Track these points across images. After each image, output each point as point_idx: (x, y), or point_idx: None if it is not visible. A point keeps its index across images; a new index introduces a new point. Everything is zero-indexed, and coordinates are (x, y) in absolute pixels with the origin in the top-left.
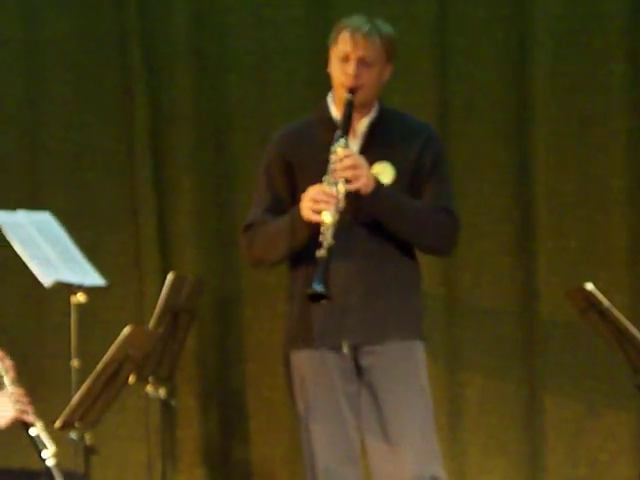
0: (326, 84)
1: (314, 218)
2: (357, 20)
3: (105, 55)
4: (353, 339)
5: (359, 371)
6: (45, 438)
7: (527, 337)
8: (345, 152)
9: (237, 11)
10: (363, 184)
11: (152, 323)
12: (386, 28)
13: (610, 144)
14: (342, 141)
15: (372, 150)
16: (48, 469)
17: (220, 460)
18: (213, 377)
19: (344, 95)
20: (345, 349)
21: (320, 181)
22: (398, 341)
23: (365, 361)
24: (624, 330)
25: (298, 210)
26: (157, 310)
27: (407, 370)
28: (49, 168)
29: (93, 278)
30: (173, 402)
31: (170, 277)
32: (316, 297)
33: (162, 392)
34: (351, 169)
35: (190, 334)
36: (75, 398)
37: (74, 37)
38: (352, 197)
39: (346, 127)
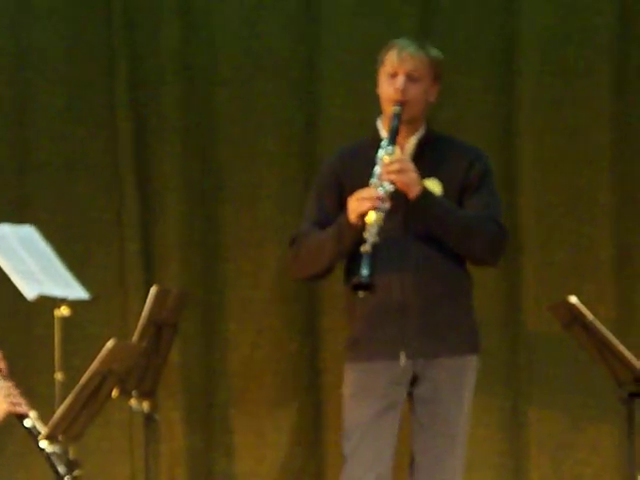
0: (313, 96)
1: (359, 215)
2: (405, 40)
3: (93, 68)
4: (410, 350)
5: (413, 381)
6: (41, 427)
7: (512, 350)
8: (394, 156)
9: (225, 24)
10: (410, 185)
11: (135, 337)
12: (434, 50)
13: (596, 157)
14: (389, 149)
15: (420, 167)
16: (48, 456)
17: (204, 474)
18: (197, 391)
19: (391, 109)
20: (403, 361)
21: None
22: (453, 357)
23: (420, 373)
24: (608, 344)
25: (345, 213)
26: (140, 323)
27: (454, 391)
28: (36, 181)
29: (77, 291)
30: (156, 416)
31: (153, 290)
32: (360, 287)
33: (145, 406)
34: (398, 170)
35: (174, 348)
36: (58, 412)
37: (62, 50)
38: (401, 203)
39: (393, 136)
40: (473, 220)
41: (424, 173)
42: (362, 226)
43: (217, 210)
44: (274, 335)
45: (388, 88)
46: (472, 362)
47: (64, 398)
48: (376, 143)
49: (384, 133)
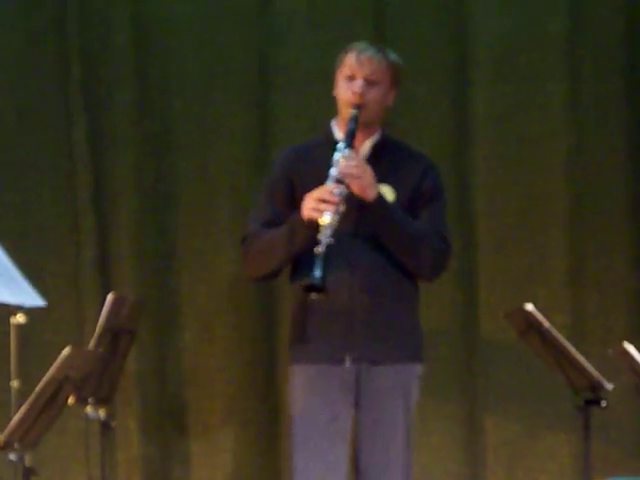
0: (267, 105)
1: (314, 215)
2: (364, 43)
3: (46, 75)
4: (356, 354)
5: (357, 388)
6: None
7: (467, 357)
8: (351, 157)
9: (180, 32)
10: (366, 188)
11: (92, 344)
12: (393, 54)
13: (550, 165)
14: (346, 151)
15: (374, 172)
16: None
17: None
18: (153, 399)
19: (349, 111)
20: (348, 363)
21: None
22: (397, 364)
23: (364, 379)
24: (564, 351)
25: (298, 212)
26: (97, 331)
27: (399, 398)
28: None
29: (33, 299)
30: (113, 423)
31: (110, 297)
32: (312, 289)
33: (102, 413)
34: (355, 173)
35: (130, 355)
36: (14, 419)
37: (15, 57)
38: (354, 205)
39: (350, 139)
40: (421, 232)
41: (377, 178)
42: (315, 226)
43: (171, 218)
44: (229, 343)
45: (346, 91)
46: (416, 371)
47: (20, 406)
48: (330, 144)
49: (339, 135)
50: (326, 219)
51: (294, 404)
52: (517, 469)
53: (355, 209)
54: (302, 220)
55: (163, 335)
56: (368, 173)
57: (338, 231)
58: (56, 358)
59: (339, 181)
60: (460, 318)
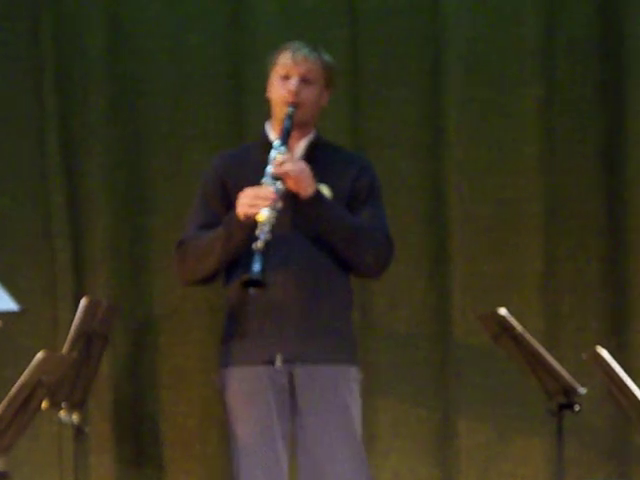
0: (241, 108)
1: (251, 212)
2: (298, 43)
3: (20, 79)
4: (288, 353)
5: (292, 390)
6: None
7: (441, 361)
8: (286, 156)
9: (152, 35)
10: (304, 184)
11: (65, 348)
12: (327, 55)
13: (524, 169)
14: (282, 149)
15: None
16: None
17: None
18: (127, 403)
19: (284, 110)
20: (279, 362)
21: None
22: (332, 365)
23: (298, 380)
24: (537, 355)
25: (234, 211)
26: (70, 335)
27: (337, 400)
28: None
29: (7, 303)
30: (86, 428)
31: (84, 302)
32: (251, 284)
33: (75, 418)
34: (292, 169)
35: (104, 359)
36: None
37: None
38: (291, 202)
39: (286, 137)
40: (362, 229)
41: (314, 178)
42: (252, 224)
43: (145, 221)
44: (203, 347)
45: (281, 90)
46: (351, 373)
47: None
48: (264, 146)
49: (273, 136)
50: (263, 215)
51: (229, 410)
52: (490, 473)
53: (291, 205)
54: (238, 218)
55: (137, 338)
56: (305, 169)
57: (275, 228)
58: (30, 362)
59: (275, 178)
60: (433, 321)
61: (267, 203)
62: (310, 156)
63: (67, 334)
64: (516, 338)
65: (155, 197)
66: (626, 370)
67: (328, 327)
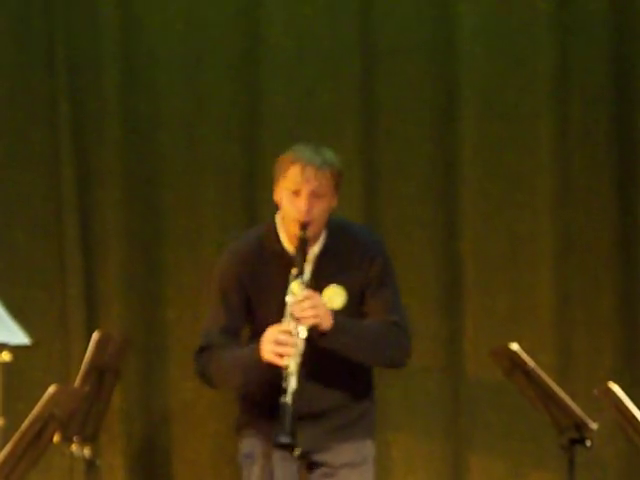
0: (255, 143)
1: (277, 361)
2: (307, 153)
3: (34, 112)
4: (306, 446)
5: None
6: None
7: (453, 396)
8: (304, 294)
9: (167, 68)
10: (323, 321)
11: (77, 382)
12: (334, 159)
13: (536, 203)
14: (299, 280)
15: (323, 274)
16: None
17: None
18: (138, 437)
19: (297, 231)
20: (297, 452)
21: (276, 314)
22: (349, 443)
23: (316, 459)
24: (549, 391)
25: (258, 351)
26: (82, 369)
27: (352, 466)
28: None
29: (19, 337)
30: (98, 462)
31: (95, 335)
32: (284, 446)
33: (87, 451)
34: (311, 312)
35: (115, 393)
36: (0, 457)
37: (4, 95)
38: (311, 333)
39: (302, 266)
40: (381, 334)
41: (327, 281)
42: (274, 366)
43: (158, 256)
44: None
45: (291, 207)
46: (367, 447)
47: (6, 443)
48: (277, 254)
49: (285, 242)
50: (289, 365)
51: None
52: None
53: (312, 334)
54: (261, 360)
55: (149, 372)
56: (322, 307)
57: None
58: (42, 396)
59: (296, 319)
60: (445, 356)
61: (291, 350)
62: (322, 260)
63: (79, 368)
64: (528, 373)
65: (168, 231)
66: (638, 406)
67: (347, 422)
